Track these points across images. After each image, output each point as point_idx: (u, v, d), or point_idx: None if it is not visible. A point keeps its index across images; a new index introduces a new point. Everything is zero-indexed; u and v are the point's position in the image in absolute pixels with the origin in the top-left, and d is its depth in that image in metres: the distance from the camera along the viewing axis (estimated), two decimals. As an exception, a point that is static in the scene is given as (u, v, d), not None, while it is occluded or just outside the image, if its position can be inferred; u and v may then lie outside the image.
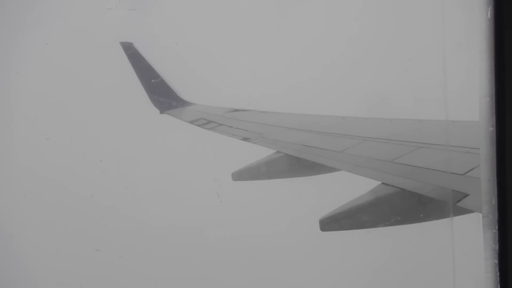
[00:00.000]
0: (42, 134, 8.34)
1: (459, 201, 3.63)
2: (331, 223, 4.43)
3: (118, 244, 8.02)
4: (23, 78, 8.31)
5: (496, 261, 1.67)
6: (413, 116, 5.61)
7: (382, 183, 4.37)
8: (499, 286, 1.64)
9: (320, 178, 5.55)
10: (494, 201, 1.69)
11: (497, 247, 1.68)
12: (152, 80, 8.61)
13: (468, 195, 3.62)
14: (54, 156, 8.52)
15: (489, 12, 1.56)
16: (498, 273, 1.66)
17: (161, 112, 8.90)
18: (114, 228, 8.00)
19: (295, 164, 5.76)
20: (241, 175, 6.29)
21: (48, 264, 8.23)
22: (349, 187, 4.75)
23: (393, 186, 4.27)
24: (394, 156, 4.71)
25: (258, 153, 6.09)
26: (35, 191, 8.51)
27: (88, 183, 8.30)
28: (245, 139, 6.60)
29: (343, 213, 4.40)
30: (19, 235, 8.31)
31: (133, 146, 8.27)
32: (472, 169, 3.86)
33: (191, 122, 8.02)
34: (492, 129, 1.63)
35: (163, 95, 8.86)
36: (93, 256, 8.04)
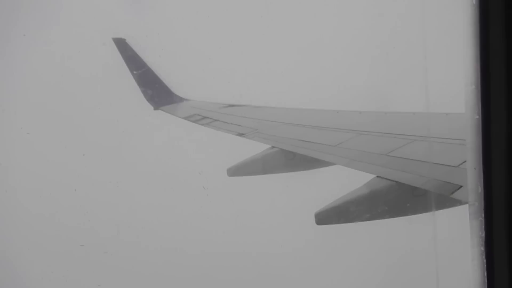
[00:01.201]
0: (22, 129, 8.26)
1: (453, 192, 3.63)
2: (326, 217, 4.43)
3: (102, 239, 7.99)
4: (2, 72, 8.21)
5: (483, 248, 1.69)
6: (407, 109, 5.61)
7: (377, 176, 4.37)
8: (485, 273, 1.66)
9: (316, 172, 5.56)
10: (480, 189, 1.70)
11: (483, 234, 1.69)
12: (135, 72, 8.48)
13: (461, 186, 3.62)
14: (35, 150, 8.45)
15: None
16: (484, 260, 1.68)
17: (155, 108, 8.85)
18: (98, 223, 7.96)
19: (290, 159, 5.75)
20: (236, 171, 6.28)
21: (32, 260, 8.19)
22: (344, 181, 4.76)
23: (388, 179, 4.27)
24: (389, 149, 4.70)
25: (254, 148, 6.09)
26: (16, 187, 8.45)
27: (71, 177, 8.25)
28: (240, 134, 6.57)
29: (338, 206, 4.40)
30: (1, 232, 8.24)
31: (120, 141, 8.21)
32: (465, 161, 3.85)
33: (186, 118, 7.96)
34: (477, 117, 1.63)
35: (156, 91, 8.80)
36: (78, 252, 8.02)
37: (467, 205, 3.17)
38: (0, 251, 8.15)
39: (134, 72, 8.53)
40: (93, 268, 7.82)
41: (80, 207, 8.06)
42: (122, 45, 8.48)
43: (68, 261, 8.01)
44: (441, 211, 3.79)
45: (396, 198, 4.27)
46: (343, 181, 4.80)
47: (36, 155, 8.59)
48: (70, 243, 8.10)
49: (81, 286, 7.87)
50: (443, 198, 3.75)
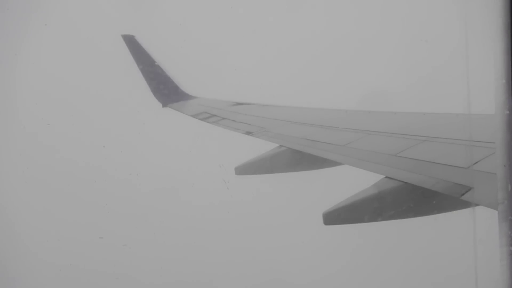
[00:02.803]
0: (43, 120, 8.29)
1: (463, 194, 3.59)
2: (334, 217, 4.41)
3: (122, 232, 8.01)
4: (23, 63, 8.26)
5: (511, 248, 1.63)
6: (416, 109, 5.59)
7: (386, 177, 4.34)
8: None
9: (324, 172, 5.53)
10: (510, 187, 1.65)
11: (512, 234, 1.64)
12: (143, 68, 8.54)
13: (472, 188, 3.58)
14: (55, 141, 8.50)
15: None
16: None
17: (163, 106, 8.86)
18: (118, 215, 7.97)
19: (298, 158, 5.73)
20: (244, 170, 6.25)
21: (51, 252, 8.23)
22: (353, 181, 4.73)
23: (397, 180, 4.24)
24: (398, 150, 4.68)
25: (261, 147, 6.07)
26: (36, 178, 8.49)
27: (90, 169, 8.27)
28: (248, 133, 6.57)
29: (346, 207, 4.37)
30: (21, 223, 8.30)
31: (136, 135, 8.23)
32: (476, 163, 3.83)
33: (194, 115, 7.96)
34: (508, 112, 1.58)
35: (165, 89, 8.81)
36: (97, 244, 8.04)
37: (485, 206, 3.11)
38: (19, 242, 8.21)
39: (143, 69, 8.56)
40: (112, 260, 7.84)
41: (99, 199, 8.08)
42: (131, 41, 8.51)
43: (86, 254, 8.05)
44: (461, 211, 3.75)
45: (405, 199, 4.24)
46: (351, 181, 4.77)
47: (56, 145, 8.63)
48: (89, 235, 8.12)
49: (99, 278, 7.89)
50: (453, 199, 3.72)
